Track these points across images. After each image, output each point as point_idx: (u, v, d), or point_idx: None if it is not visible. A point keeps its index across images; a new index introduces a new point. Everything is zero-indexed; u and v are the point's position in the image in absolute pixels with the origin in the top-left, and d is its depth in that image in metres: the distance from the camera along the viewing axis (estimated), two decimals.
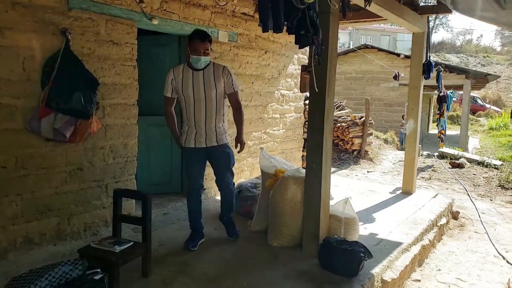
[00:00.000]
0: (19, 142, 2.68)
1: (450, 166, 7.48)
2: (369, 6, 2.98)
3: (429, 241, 3.62)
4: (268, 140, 5.17)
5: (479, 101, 21.22)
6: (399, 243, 3.25)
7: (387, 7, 3.67)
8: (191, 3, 3.82)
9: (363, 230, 3.44)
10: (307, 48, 4.36)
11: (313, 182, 2.86)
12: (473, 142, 12.57)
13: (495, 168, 7.34)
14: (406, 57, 11.31)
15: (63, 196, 2.95)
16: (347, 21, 4.66)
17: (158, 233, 3.20)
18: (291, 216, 3.02)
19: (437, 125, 9.45)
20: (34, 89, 2.70)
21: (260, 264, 2.76)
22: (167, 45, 4.06)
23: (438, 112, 9.09)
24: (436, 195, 4.88)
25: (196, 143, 2.87)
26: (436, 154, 8.58)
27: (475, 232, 4.36)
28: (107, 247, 2.34)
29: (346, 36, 32.28)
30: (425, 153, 8.74)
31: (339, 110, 8.27)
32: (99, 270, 2.10)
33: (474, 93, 19.92)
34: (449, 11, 4.46)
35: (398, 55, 12.11)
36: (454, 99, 12.07)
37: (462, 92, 12.85)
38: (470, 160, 7.83)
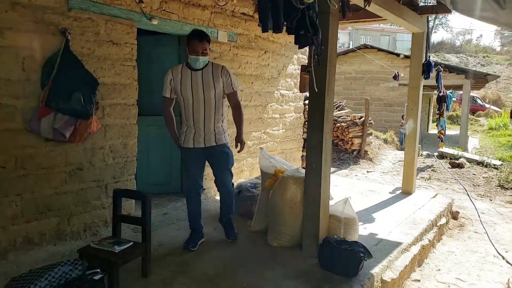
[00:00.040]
0: (19, 142, 2.68)
1: (450, 166, 7.48)
2: (368, 6, 2.98)
3: (429, 241, 3.62)
4: (268, 140, 5.17)
5: (479, 101, 21.24)
6: (399, 243, 3.25)
7: (387, 7, 3.67)
8: (190, 3, 3.82)
9: (363, 230, 3.44)
10: (307, 48, 4.37)
11: (313, 182, 2.86)
12: (473, 142, 12.58)
13: (495, 168, 7.34)
14: (406, 57, 11.32)
15: (63, 196, 2.95)
16: (346, 21, 4.66)
17: (158, 233, 3.20)
18: (290, 216, 3.03)
19: (436, 125, 9.46)
20: (33, 89, 2.70)
21: (260, 264, 2.76)
22: (167, 45, 4.06)
23: (437, 112, 9.10)
24: (436, 195, 4.88)
25: (195, 143, 2.87)
26: (435, 154, 8.58)
27: (475, 232, 4.36)
28: (106, 247, 2.34)
29: (345, 36, 32.29)
30: (424, 153, 8.74)
31: (338, 110, 8.27)
32: (98, 270, 2.10)
33: (474, 93, 19.93)
34: (449, 11, 4.46)
35: (398, 55, 12.12)
36: (453, 99, 12.07)
37: (461, 92, 12.86)
38: (470, 160, 7.84)
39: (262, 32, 2.35)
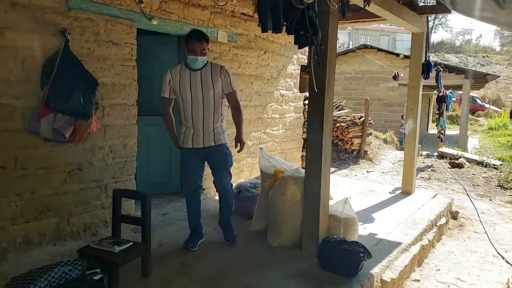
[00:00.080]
0: (19, 142, 2.68)
1: (450, 166, 7.49)
2: (368, 6, 2.98)
3: (429, 241, 3.62)
4: (268, 140, 5.17)
5: (479, 101, 21.25)
6: (399, 243, 3.25)
7: (386, 7, 3.68)
8: (190, 3, 3.83)
9: (363, 230, 3.45)
10: (307, 48, 4.36)
11: (313, 182, 2.86)
12: (473, 142, 12.58)
13: (495, 168, 7.35)
14: (406, 57, 11.32)
15: (62, 196, 2.95)
16: (346, 21, 4.66)
17: (158, 233, 3.20)
18: (290, 216, 3.03)
19: (436, 125, 9.47)
20: (33, 89, 2.70)
21: (260, 264, 2.76)
22: (167, 45, 4.06)
23: (437, 112, 9.10)
24: (436, 195, 4.88)
25: (194, 144, 2.86)
26: (435, 154, 8.58)
27: (475, 232, 4.37)
28: (106, 247, 2.34)
29: (345, 36, 32.30)
30: (424, 153, 8.75)
31: (338, 110, 8.28)
32: (98, 270, 2.11)
33: (474, 93, 19.94)
34: (448, 11, 4.46)
35: (398, 55, 12.12)
36: (453, 99, 12.08)
37: (461, 92, 12.86)
38: (470, 160, 7.84)
39: (262, 32, 2.35)
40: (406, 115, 5.20)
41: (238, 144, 2.97)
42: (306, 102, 5.09)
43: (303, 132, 5.84)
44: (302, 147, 5.91)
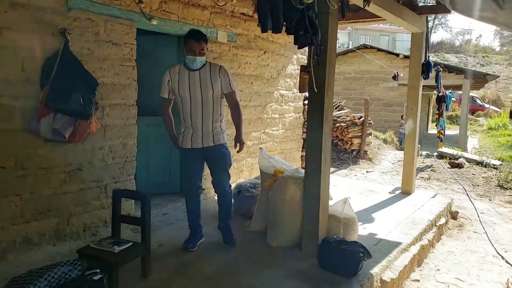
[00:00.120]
0: (18, 142, 2.68)
1: (449, 166, 7.49)
2: (368, 6, 2.99)
3: (428, 241, 3.62)
4: (267, 140, 5.17)
5: (478, 101, 21.25)
6: (398, 243, 3.25)
7: (386, 7, 3.68)
8: (190, 3, 3.83)
9: (362, 230, 3.45)
10: (306, 48, 4.37)
11: (312, 182, 2.86)
12: (472, 142, 12.59)
13: (494, 168, 7.35)
14: (405, 57, 11.33)
15: (62, 196, 2.95)
16: (346, 21, 4.66)
17: (158, 234, 3.20)
18: (290, 216, 3.03)
19: (436, 125, 9.47)
20: (33, 90, 2.70)
21: (260, 264, 2.76)
22: (166, 46, 4.06)
23: (437, 112, 9.11)
24: (435, 195, 4.89)
25: (193, 144, 2.86)
26: (435, 154, 8.59)
27: (474, 232, 4.37)
28: (106, 248, 2.34)
29: (345, 36, 32.31)
30: (424, 153, 8.75)
31: (338, 110, 8.28)
32: (98, 270, 2.10)
33: (473, 93, 19.94)
34: (448, 11, 4.47)
35: (397, 55, 12.12)
36: (453, 99, 12.09)
37: (461, 92, 12.87)
38: (469, 160, 7.84)
39: (262, 32, 2.35)
40: (405, 115, 5.20)
41: (238, 144, 2.96)
42: (306, 102, 5.09)
43: (303, 132, 5.84)
44: (302, 147, 5.91)
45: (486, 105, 21.48)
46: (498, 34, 38.62)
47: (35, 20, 2.68)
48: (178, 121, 3.01)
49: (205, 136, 2.84)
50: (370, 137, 8.21)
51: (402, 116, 10.38)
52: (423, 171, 7.20)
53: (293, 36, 2.46)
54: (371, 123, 8.18)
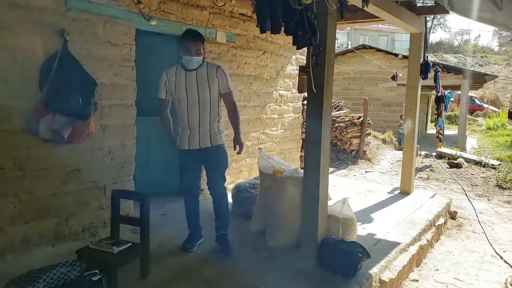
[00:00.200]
0: (17, 143, 2.68)
1: (448, 166, 7.50)
2: (366, 7, 2.99)
3: (427, 241, 3.63)
4: (267, 141, 5.18)
5: (477, 101, 21.28)
6: (397, 243, 3.25)
7: (385, 7, 3.68)
8: (189, 4, 3.83)
9: (361, 230, 3.45)
10: (305, 49, 4.37)
11: (311, 183, 2.86)
12: (471, 142, 12.61)
13: (493, 168, 7.37)
14: (404, 57, 11.35)
15: (61, 197, 2.94)
16: (345, 21, 4.68)
17: (157, 234, 3.20)
18: (289, 216, 3.03)
19: (435, 125, 9.49)
20: (32, 90, 2.70)
21: (259, 264, 2.77)
22: (166, 46, 4.06)
23: (436, 112, 9.12)
24: (434, 195, 4.89)
25: (190, 145, 2.84)
26: (434, 154, 8.60)
27: (473, 232, 4.38)
28: (105, 248, 2.34)
29: (344, 36, 32.33)
30: (423, 153, 8.76)
31: (337, 110, 8.29)
32: (97, 271, 2.10)
33: (472, 93, 19.97)
34: (447, 12, 4.48)
35: (396, 55, 12.14)
36: (452, 99, 12.11)
37: (459, 92, 12.89)
38: (468, 160, 7.86)
39: (260, 33, 2.36)
40: (404, 115, 5.20)
41: (237, 146, 2.93)
42: (305, 102, 5.10)
43: (302, 132, 5.85)
44: (301, 147, 5.91)
45: (485, 105, 21.51)
46: (496, 34, 38.68)
47: (34, 21, 2.68)
48: (176, 121, 3.00)
49: (202, 137, 2.82)
50: (369, 137, 8.22)
51: (401, 116, 10.40)
52: (422, 171, 7.21)
53: (292, 36, 2.47)
54: (370, 123, 8.19)
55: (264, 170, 3.45)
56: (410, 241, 3.38)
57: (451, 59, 28.90)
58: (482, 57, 31.12)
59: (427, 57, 4.88)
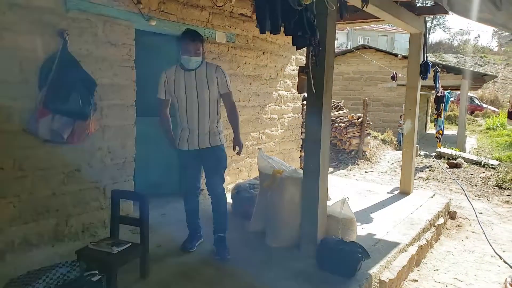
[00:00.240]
0: (17, 143, 2.68)
1: (448, 166, 7.51)
2: (366, 7, 2.99)
3: (427, 241, 3.63)
4: (266, 141, 5.18)
5: (477, 101, 21.30)
6: (397, 243, 3.26)
7: (384, 8, 3.69)
8: (188, 4, 3.83)
9: (361, 230, 3.45)
10: (305, 49, 4.38)
11: (311, 183, 2.87)
12: (471, 142, 12.62)
13: (492, 168, 7.37)
14: (404, 57, 11.35)
15: (61, 197, 2.94)
16: (344, 21, 4.68)
17: (156, 234, 3.19)
18: (289, 216, 3.03)
19: (434, 125, 9.50)
20: (31, 91, 2.70)
21: (258, 264, 2.77)
22: (165, 46, 4.06)
23: (435, 112, 9.13)
24: (434, 195, 4.90)
25: (189, 145, 2.83)
26: (433, 154, 8.61)
27: (472, 232, 4.38)
28: (105, 248, 2.34)
29: (344, 36, 32.35)
30: (422, 153, 8.77)
31: (337, 111, 8.29)
32: (96, 271, 2.10)
33: (472, 93, 19.98)
34: (446, 12, 4.48)
35: (396, 55, 12.15)
36: (451, 99, 12.11)
37: (459, 92, 12.90)
38: (468, 160, 7.86)
39: (260, 33, 2.36)
40: (404, 115, 5.21)
41: (236, 147, 2.92)
42: (305, 102, 5.10)
43: (302, 132, 5.85)
44: (301, 147, 5.91)
45: (484, 105, 21.52)
46: (496, 35, 38.68)
47: (33, 21, 2.68)
48: (175, 122, 3.00)
49: (201, 137, 2.81)
50: (368, 137, 8.22)
51: (400, 116, 10.41)
52: (421, 171, 7.21)
53: (291, 37, 2.47)
54: (369, 123, 8.20)
55: (263, 170, 3.45)
56: (410, 241, 3.38)
57: (450, 59, 28.91)
58: (481, 57, 31.14)
59: (427, 57, 4.88)
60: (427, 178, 6.72)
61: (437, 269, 3.41)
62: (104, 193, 3.23)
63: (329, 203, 3.14)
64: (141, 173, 3.90)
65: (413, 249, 3.33)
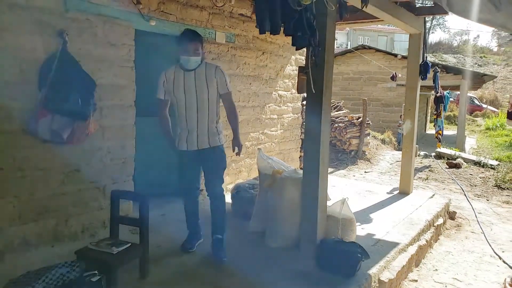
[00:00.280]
0: (16, 143, 2.68)
1: (447, 166, 7.51)
2: (365, 7, 2.99)
3: (426, 241, 3.63)
4: (266, 141, 5.18)
5: (476, 101, 21.31)
6: (396, 244, 3.26)
7: (384, 8, 3.69)
8: (188, 4, 3.83)
9: (361, 230, 3.46)
10: (305, 49, 4.38)
11: (311, 183, 2.87)
12: (470, 142, 12.63)
13: (492, 168, 7.38)
14: (404, 57, 11.35)
15: (60, 197, 2.94)
16: (344, 22, 4.68)
17: (156, 235, 3.19)
18: (288, 217, 3.03)
19: (434, 125, 9.51)
20: (31, 91, 2.70)
21: (258, 265, 2.77)
22: (165, 46, 4.06)
23: (435, 112, 9.14)
24: (433, 195, 4.90)
25: (188, 146, 2.82)
26: (433, 154, 8.61)
27: (472, 232, 4.38)
28: (104, 249, 2.34)
29: (343, 36, 32.36)
30: (422, 153, 8.77)
31: (336, 111, 8.29)
32: (96, 272, 2.10)
33: (471, 94, 19.99)
34: (446, 13, 4.49)
35: (396, 55, 12.15)
36: (451, 99, 12.12)
37: (459, 92, 12.91)
38: (467, 160, 7.87)
39: (260, 33, 2.36)
40: (404, 115, 5.21)
41: (236, 147, 2.91)
42: (304, 102, 5.10)
43: (301, 132, 5.85)
44: (300, 147, 5.92)
45: (484, 106, 21.54)
46: (495, 35, 38.69)
47: (33, 21, 2.68)
48: (174, 122, 3.00)
49: (200, 138, 2.81)
50: (368, 137, 8.23)
51: (400, 116, 10.41)
52: (421, 171, 7.22)
53: (291, 37, 2.47)
54: (369, 123, 8.20)
55: (263, 171, 3.45)
56: (409, 242, 3.38)
57: (450, 60, 28.93)
58: (481, 57, 31.16)
59: (426, 57, 4.88)
60: (427, 178, 6.72)
61: (436, 269, 3.41)
62: (103, 193, 3.23)
63: (329, 203, 3.15)
64: (141, 173, 3.90)
65: (412, 249, 3.33)
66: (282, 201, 3.06)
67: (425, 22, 4.86)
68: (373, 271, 2.74)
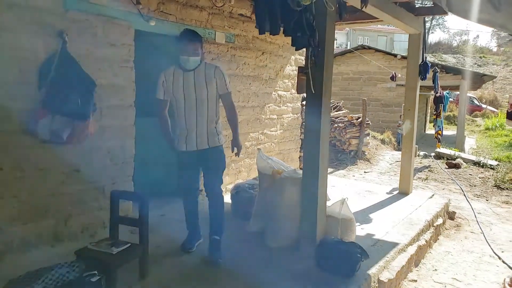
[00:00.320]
0: (16, 143, 2.68)
1: (447, 167, 7.52)
2: (365, 8, 3.00)
3: (426, 241, 3.64)
4: (266, 141, 5.18)
5: (476, 102, 21.33)
6: (396, 244, 3.26)
7: (383, 8, 3.69)
8: (188, 4, 3.83)
9: (360, 230, 3.46)
10: (304, 49, 4.38)
11: (310, 183, 2.87)
12: (470, 142, 12.64)
13: (491, 168, 7.38)
14: (403, 57, 11.36)
15: (60, 197, 2.94)
16: (344, 22, 4.68)
17: (156, 235, 3.19)
18: (288, 217, 3.03)
19: (434, 126, 9.51)
20: (31, 91, 2.70)
21: (258, 265, 2.77)
22: (165, 47, 4.06)
23: (435, 112, 9.15)
24: (433, 195, 4.90)
25: (187, 146, 2.82)
26: (432, 154, 8.62)
27: (471, 232, 4.39)
28: (104, 249, 2.35)
29: (343, 36, 32.37)
30: (421, 153, 8.78)
31: (336, 111, 8.30)
32: (96, 272, 2.10)
33: (471, 94, 20.00)
34: (445, 13, 4.49)
35: (395, 55, 12.16)
36: (450, 99, 12.13)
37: (458, 92, 12.92)
38: (467, 161, 7.87)
39: (259, 33, 2.36)
40: (403, 115, 5.21)
41: (235, 148, 2.91)
42: (304, 102, 5.10)
43: (301, 132, 5.85)
44: (300, 148, 5.92)
45: (484, 106, 21.55)
46: (495, 35, 38.71)
47: (33, 21, 2.68)
48: (174, 122, 3.00)
49: (199, 138, 2.80)
50: (368, 137, 8.23)
51: (400, 117, 10.42)
52: (420, 171, 7.22)
53: (290, 37, 2.47)
54: (369, 123, 8.21)
55: (263, 171, 3.45)
56: (409, 242, 3.39)
57: (449, 60, 28.95)
58: (480, 57, 31.18)
59: (426, 57, 4.89)
60: (426, 178, 6.72)
61: (436, 269, 3.42)
62: (103, 193, 3.23)
63: (329, 203, 3.15)
64: (141, 174, 3.90)
65: (412, 249, 3.33)
66: (282, 201, 3.06)
67: (424, 22, 4.87)
68: (372, 271, 2.74)
